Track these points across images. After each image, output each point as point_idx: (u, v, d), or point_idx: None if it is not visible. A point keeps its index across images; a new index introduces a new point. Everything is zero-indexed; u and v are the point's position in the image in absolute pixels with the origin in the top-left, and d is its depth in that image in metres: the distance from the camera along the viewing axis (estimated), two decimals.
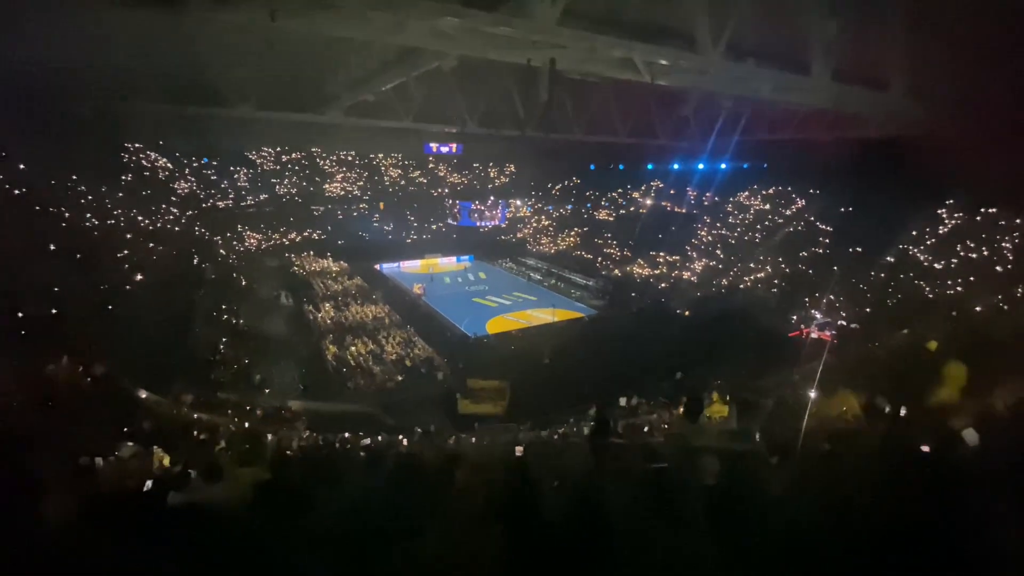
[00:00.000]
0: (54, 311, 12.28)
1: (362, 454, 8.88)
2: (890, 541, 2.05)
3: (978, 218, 23.74)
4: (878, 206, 25.90)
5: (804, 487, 2.84)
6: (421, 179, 50.64)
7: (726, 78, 14.69)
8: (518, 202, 53.12)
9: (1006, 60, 11.54)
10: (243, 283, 29.24)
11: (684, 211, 40.15)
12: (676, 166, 40.49)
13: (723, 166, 37.09)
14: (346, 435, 12.64)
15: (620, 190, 46.75)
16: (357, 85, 22.80)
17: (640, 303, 31.82)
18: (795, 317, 25.08)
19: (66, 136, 23.28)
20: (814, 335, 22.56)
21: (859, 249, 26.32)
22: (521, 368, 20.30)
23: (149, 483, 4.16)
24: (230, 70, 22.85)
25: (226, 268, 30.56)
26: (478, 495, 2.92)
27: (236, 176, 41.94)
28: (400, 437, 13.21)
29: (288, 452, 8.12)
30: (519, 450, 6.24)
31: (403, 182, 49.85)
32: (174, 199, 35.58)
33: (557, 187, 52.52)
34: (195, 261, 27.18)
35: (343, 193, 46.78)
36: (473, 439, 14.02)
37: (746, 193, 37.12)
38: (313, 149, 45.70)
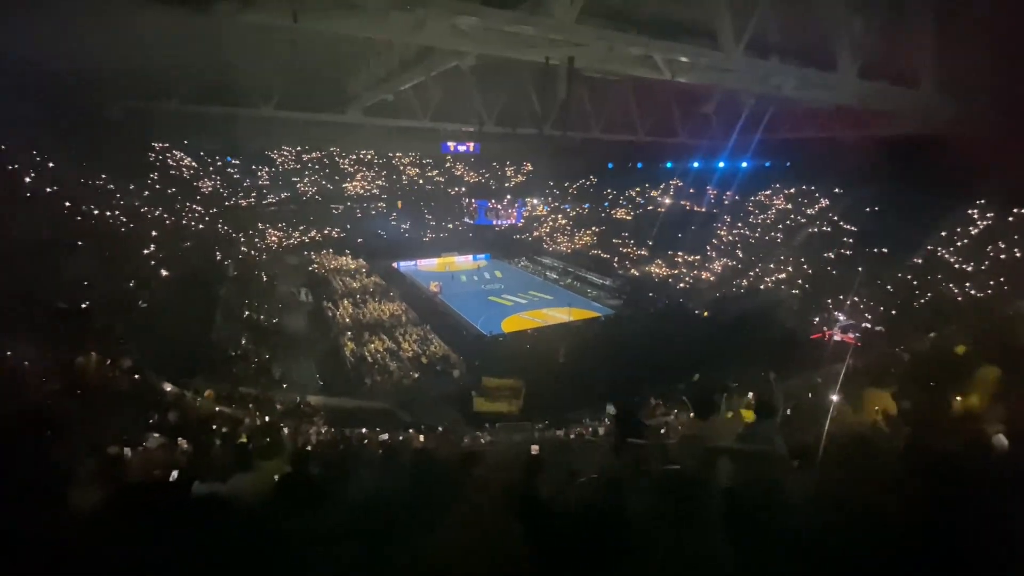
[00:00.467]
0: (84, 305, 12.66)
1: (379, 450, 8.98)
2: (913, 548, 2.00)
3: (1011, 219, 22.91)
4: (906, 206, 25.16)
5: (824, 491, 2.79)
6: (438, 178, 50.94)
7: (748, 75, 14.44)
8: (535, 201, 53.04)
9: None
10: (264, 280, 29.78)
11: (704, 210, 39.56)
12: (696, 164, 39.93)
13: (744, 164, 36.47)
14: (363, 431, 12.80)
15: (638, 189, 46.33)
16: (376, 85, 23.02)
17: (657, 303, 31.50)
18: (817, 319, 24.55)
19: (96, 136, 24.01)
20: (837, 337, 22.07)
21: (885, 250, 25.63)
22: (536, 367, 20.28)
23: (175, 473, 4.27)
24: (253, 71, 23.31)
25: (248, 265, 31.16)
26: (494, 492, 2.93)
27: (258, 175, 42.78)
28: (416, 433, 13.32)
29: (307, 446, 8.25)
30: (535, 448, 6.23)
31: (420, 181, 50.22)
32: (198, 197, 36.43)
33: (574, 186, 52.28)
34: (218, 258, 27.76)
35: (362, 192, 47.31)
36: (488, 437, 14.07)
37: (768, 192, 36.44)
38: (333, 148, 46.37)
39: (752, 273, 31.15)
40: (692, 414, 4.17)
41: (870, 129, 23.04)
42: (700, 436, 3.70)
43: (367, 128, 33.78)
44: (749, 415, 6.38)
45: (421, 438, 12.49)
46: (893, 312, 22.45)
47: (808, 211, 33.17)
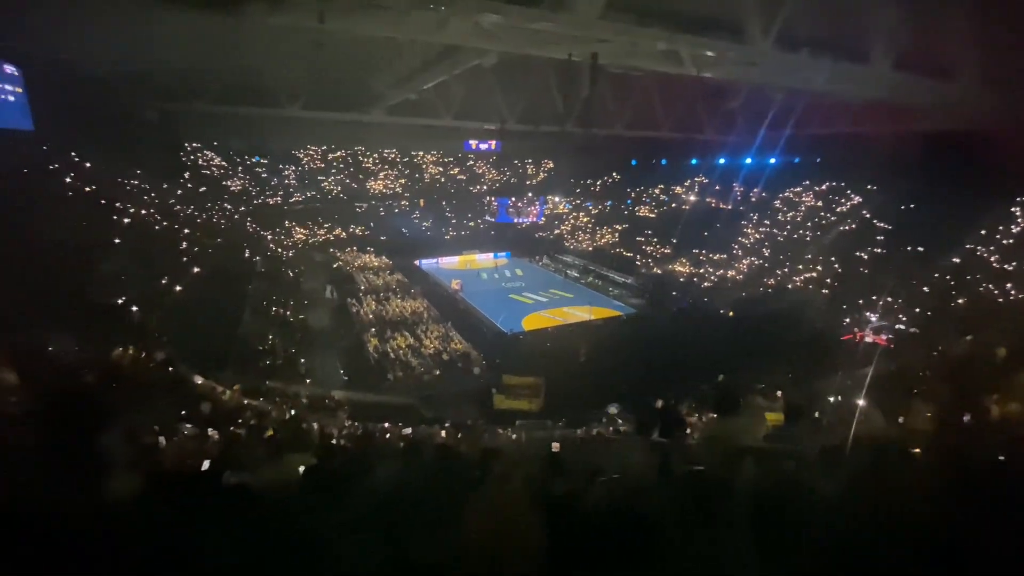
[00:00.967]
0: (120, 301, 13.16)
1: (398, 444, 9.10)
2: (940, 554, 1.95)
3: None
4: (942, 203, 24.17)
5: (852, 494, 2.72)
6: (460, 176, 51.20)
7: (777, 69, 14.08)
8: (556, 198, 52.85)
9: None
10: (291, 277, 30.44)
11: (730, 208, 38.73)
12: (722, 161, 39.16)
13: (772, 161, 35.61)
14: (386, 425, 12.99)
15: (662, 186, 45.70)
16: (400, 84, 23.28)
17: (681, 303, 31.02)
18: (848, 320, 23.83)
19: (131, 136, 24.89)
20: (869, 339, 21.41)
21: (920, 249, 24.70)
22: (556, 366, 20.22)
23: (206, 462, 4.42)
24: (281, 72, 23.83)
25: (275, 262, 31.89)
26: (516, 488, 2.94)
27: (285, 174, 43.70)
28: (438, 429, 13.45)
29: (333, 440, 8.42)
30: (555, 446, 6.23)
31: (442, 179, 50.57)
32: (228, 196, 37.46)
33: (596, 183, 51.87)
34: (246, 255, 28.49)
35: (385, 190, 47.91)
36: (509, 434, 14.11)
37: (797, 189, 35.51)
38: (357, 147, 47.06)
39: (780, 272, 30.40)
40: (716, 414, 4.11)
41: (904, 123, 22.23)
42: (724, 436, 3.64)
43: (390, 127, 34.24)
44: (774, 417, 6.26)
45: (443, 434, 12.61)
46: (928, 313, 21.64)
47: (839, 208, 32.20)
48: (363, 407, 16.12)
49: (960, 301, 21.63)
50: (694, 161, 42.47)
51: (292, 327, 22.73)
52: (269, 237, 36.66)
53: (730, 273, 33.11)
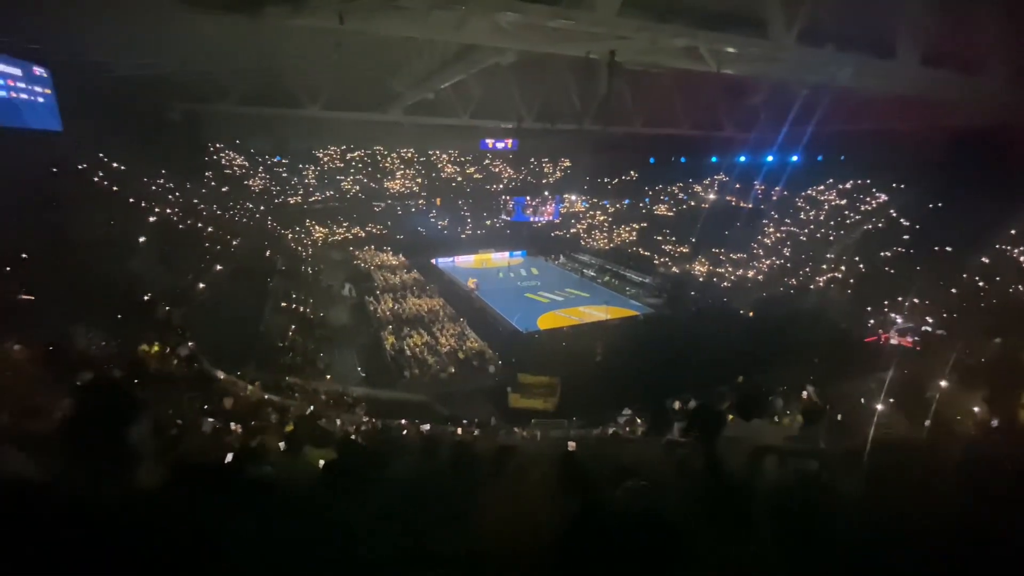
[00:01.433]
0: (146, 297, 13.51)
1: (415, 440, 9.18)
2: (962, 558, 1.90)
3: None
4: (970, 201, 23.39)
5: (876, 497, 2.66)
6: (476, 175, 51.34)
7: (801, 65, 13.77)
8: (572, 197, 52.63)
9: None
10: (310, 275, 30.89)
11: (750, 206, 38.09)
12: (743, 159, 38.53)
13: (795, 158, 34.91)
14: (402, 421, 13.11)
15: (681, 184, 45.17)
16: (418, 84, 23.40)
17: (700, 302, 30.63)
18: (873, 321, 23.25)
19: (157, 136, 25.53)
20: (894, 341, 20.86)
21: (948, 248, 23.96)
22: (572, 365, 20.15)
23: (229, 456, 4.51)
24: (302, 73, 24.17)
25: (295, 260, 32.40)
26: (532, 485, 2.95)
27: (305, 173, 44.36)
28: (453, 426, 13.52)
29: (351, 436, 8.53)
30: (572, 445, 6.22)
31: (459, 178, 50.77)
32: (249, 195, 38.18)
33: (614, 181, 51.52)
34: (267, 253, 29.01)
35: (403, 189, 48.30)
36: (524, 433, 14.12)
37: (820, 187, 34.75)
38: (375, 147, 47.51)
39: (802, 272, 29.81)
40: (738, 416, 4.05)
41: (932, 119, 21.57)
42: (745, 438, 3.59)
43: (408, 126, 34.50)
44: (800, 422, 6.14)
45: (459, 431, 12.67)
46: (956, 315, 20.99)
47: (863, 207, 31.42)
48: (380, 404, 16.29)
49: (990, 302, 20.95)
50: (714, 159, 41.87)
51: (311, 324, 23.07)
52: (289, 236, 37.26)
53: (750, 273, 32.58)
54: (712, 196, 41.92)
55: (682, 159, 45.27)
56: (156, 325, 12.18)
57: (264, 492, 3.19)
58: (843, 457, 3.38)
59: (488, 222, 49.81)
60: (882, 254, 27.06)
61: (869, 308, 23.85)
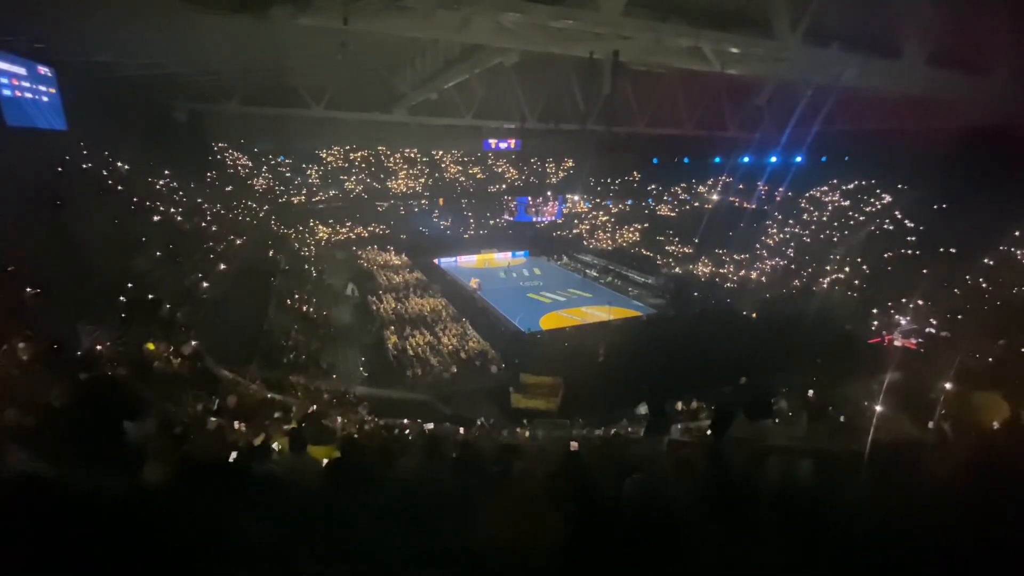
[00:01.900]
0: (150, 296, 13.56)
1: (417, 440, 9.18)
2: (965, 559, 1.90)
3: None
4: (975, 203, 23.27)
5: (879, 497, 2.65)
6: (480, 175, 51.38)
7: (805, 65, 13.72)
8: (575, 197, 52.62)
9: None
10: (313, 274, 30.96)
11: (754, 207, 38.00)
12: (746, 159, 38.44)
13: (798, 159, 34.81)
14: (405, 421, 13.12)
15: (684, 184, 45.11)
16: (422, 84, 23.42)
17: (703, 303, 30.56)
18: (876, 323, 23.16)
19: (161, 136, 25.64)
20: (897, 343, 20.79)
21: (952, 250, 23.84)
22: (575, 365, 20.13)
23: (233, 454, 4.52)
24: (306, 73, 24.22)
25: (298, 260, 32.47)
26: (535, 484, 2.95)
27: (308, 173, 44.47)
28: (456, 426, 13.53)
29: (354, 435, 8.54)
30: (574, 445, 6.21)
31: (462, 178, 50.82)
32: (253, 194, 38.28)
33: (617, 182, 51.49)
34: (271, 253, 29.08)
35: (406, 189, 48.38)
36: (526, 433, 14.11)
37: (824, 188, 34.64)
38: (379, 147, 47.60)
39: (805, 273, 29.71)
40: (740, 417, 4.04)
41: (938, 120, 21.47)
42: (749, 439, 3.58)
43: (412, 127, 34.58)
44: (802, 423, 6.12)
45: (461, 430, 12.67)
46: (960, 317, 20.89)
47: (868, 208, 31.31)
48: (382, 403, 16.31)
49: (994, 304, 20.85)
50: (717, 159, 41.79)
51: (314, 324, 23.12)
52: (293, 235, 37.38)
53: (753, 274, 32.50)
54: (715, 197, 41.84)
55: (685, 159, 45.23)
56: (160, 324, 12.23)
57: (268, 490, 3.20)
58: (844, 458, 3.37)
59: (491, 222, 49.83)
60: (886, 255, 26.95)
61: (873, 310, 23.77)
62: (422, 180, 49.25)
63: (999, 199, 22.11)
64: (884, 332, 22.22)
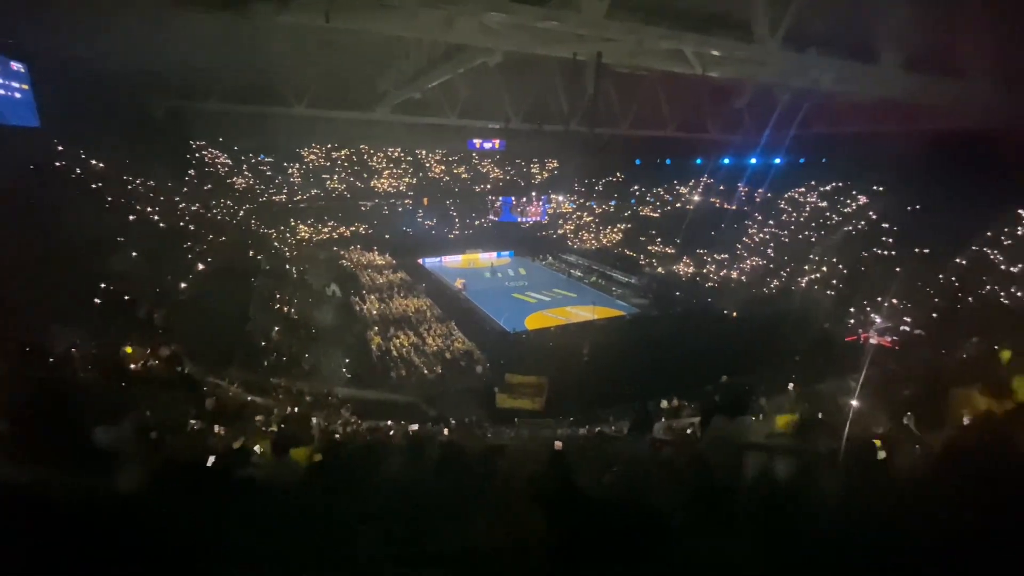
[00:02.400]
0: (127, 297, 13.23)
1: (401, 441, 9.12)
2: (938, 553, 1.96)
3: None
4: (950, 204, 24.02)
5: (852, 492, 2.73)
6: (464, 175, 51.24)
7: (784, 69, 13.98)
8: (560, 197, 52.84)
9: None
10: (295, 275, 30.54)
11: (734, 208, 38.68)
12: (727, 161, 39.08)
13: (777, 161, 35.50)
14: (389, 422, 13.02)
15: (666, 186, 45.63)
16: (405, 83, 23.27)
17: (685, 303, 30.96)
18: (853, 321, 23.73)
19: (139, 134, 25.02)
20: (873, 340, 21.31)
21: (927, 250, 24.56)
22: (559, 365, 20.21)
23: (212, 458, 4.44)
24: (287, 71, 23.90)
25: (279, 260, 32.00)
26: (518, 484, 2.96)
27: (290, 172, 43.85)
28: (441, 426, 13.48)
29: (336, 436, 8.46)
30: (558, 444, 6.23)
31: (447, 178, 50.62)
32: (233, 193, 37.59)
33: (601, 182, 51.85)
34: (251, 252, 28.60)
35: (389, 189, 47.99)
36: (512, 433, 14.13)
37: (802, 189, 35.38)
38: (362, 146, 47.14)
39: (784, 273, 30.31)
40: (720, 414, 4.11)
41: (913, 124, 22.07)
42: (728, 436, 3.65)
43: (395, 126, 34.30)
44: (783, 420, 6.23)
45: (446, 431, 12.63)
46: (935, 315, 21.52)
47: (845, 209, 32.05)
48: (366, 405, 16.17)
49: (967, 303, 21.52)
50: (698, 161, 42.39)
51: (296, 325, 22.81)
52: (274, 235, 36.80)
53: (734, 274, 33.03)
54: (697, 198, 42.43)
55: (667, 161, 45.75)
56: (137, 325, 11.94)
57: (248, 494, 3.15)
58: (821, 454, 3.45)
59: (476, 222, 49.73)
60: (862, 255, 27.63)
61: (850, 308, 24.35)
62: (406, 180, 48.93)
63: (972, 201, 22.86)
64: (860, 330, 22.76)
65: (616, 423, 13.97)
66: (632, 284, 35.75)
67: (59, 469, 2.87)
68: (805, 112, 24.22)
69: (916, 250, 24.87)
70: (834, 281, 27.44)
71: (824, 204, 33.55)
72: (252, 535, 2.33)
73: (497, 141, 47.20)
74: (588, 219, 50.00)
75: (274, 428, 7.80)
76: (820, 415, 7.73)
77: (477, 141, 47.30)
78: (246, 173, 41.45)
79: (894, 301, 22.45)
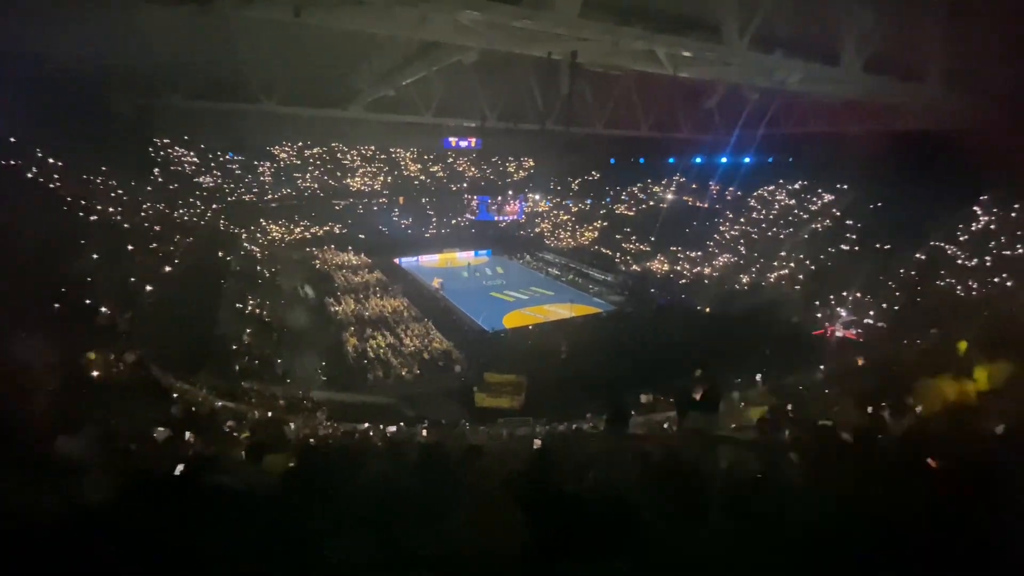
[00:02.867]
0: (88, 301, 12.71)
1: (379, 444, 9.03)
2: (905, 540, 2.03)
3: (1013, 214, 22.83)
4: (910, 201, 25.09)
5: (820, 481, 2.81)
6: (440, 173, 50.89)
7: (752, 69, 14.33)
8: (536, 196, 53.01)
9: None
10: (266, 276, 29.85)
11: (706, 206, 39.52)
12: (699, 160, 39.86)
13: (747, 160, 36.39)
14: (366, 425, 12.87)
15: (641, 184, 46.27)
16: (379, 80, 22.94)
17: (660, 300, 31.48)
18: (820, 315, 24.54)
19: (99, 131, 24.04)
20: (839, 333, 22.08)
21: (888, 246, 25.58)
22: (538, 363, 20.30)
23: (180, 466, 4.31)
24: (256, 66, 23.27)
25: (250, 261, 31.22)
26: (499, 482, 2.95)
27: (260, 170, 42.77)
28: (420, 427, 13.39)
29: (311, 441, 8.31)
30: (537, 442, 6.26)
31: (422, 176, 50.18)
32: (200, 193, 36.50)
33: (576, 181, 52.23)
34: (220, 254, 27.82)
35: (364, 187, 47.30)
36: (490, 432, 14.12)
37: (771, 188, 36.36)
38: (335, 144, 46.29)
39: (755, 269, 31.11)
40: (694, 408, 4.20)
41: (875, 123, 22.91)
42: (701, 429, 3.72)
43: (369, 123, 33.70)
44: (757, 412, 6.40)
45: (424, 432, 12.55)
46: (896, 308, 22.43)
47: (811, 207, 33.09)
48: (343, 408, 15.94)
49: (927, 296, 22.48)
50: (671, 160, 43.10)
51: (268, 327, 22.31)
52: (244, 236, 35.87)
53: (707, 270, 33.74)
54: (670, 196, 43.17)
55: (641, 160, 46.36)
56: (101, 331, 11.49)
57: (219, 504, 3.06)
58: (792, 444, 3.55)
59: (453, 221, 49.47)
60: (829, 251, 28.58)
61: (817, 302, 25.16)
62: (380, 178, 48.30)
63: (930, 198, 23.92)
64: (827, 324, 23.55)
65: (594, 419, 14.13)
66: (608, 281, 36.14)
67: (15, 482, 2.73)
68: (773, 112, 24.88)
69: (877, 246, 25.87)
70: (801, 276, 28.32)
71: (792, 202, 34.56)
72: (223, 547, 2.26)
73: (473, 140, 47.03)
74: (565, 217, 50.32)
75: (246, 434, 7.61)
76: (789, 407, 7.97)
77: (453, 140, 47.02)
78: (214, 172, 40.27)
79: (858, 295, 23.31)
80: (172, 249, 21.65)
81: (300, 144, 45.09)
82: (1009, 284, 20.37)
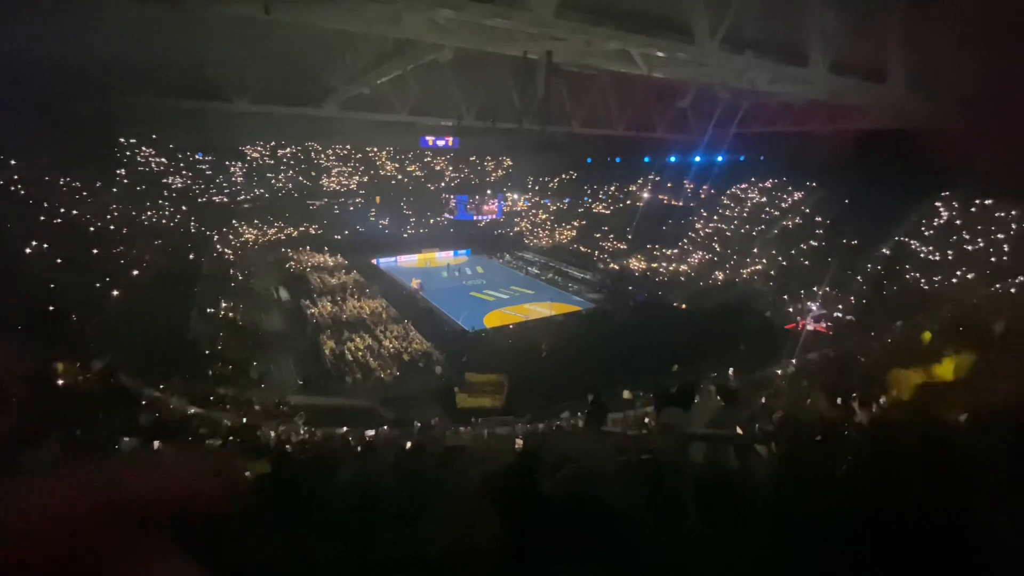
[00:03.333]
0: (51, 308, 12.24)
1: (359, 448, 8.92)
2: (875, 531, 2.09)
3: (973, 210, 23.85)
4: (875, 198, 25.99)
5: (792, 474, 2.88)
6: (417, 173, 50.48)
7: (723, 70, 14.65)
8: (515, 195, 53.04)
9: (1006, 50, 11.52)
10: (239, 278, 29.18)
11: (681, 204, 40.20)
12: (673, 159, 40.49)
13: (720, 159, 37.14)
14: (345, 429, 12.70)
15: (617, 183, 46.74)
16: (353, 78, 22.65)
17: (637, 297, 31.88)
18: (791, 309, 25.21)
19: (61, 132, 23.11)
20: (810, 327, 22.70)
21: (855, 242, 26.43)
22: (519, 362, 20.33)
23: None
24: (227, 64, 22.71)
25: (222, 263, 30.47)
26: (481, 484, 2.95)
27: (232, 171, 41.73)
28: (399, 430, 13.27)
29: (288, 446, 8.16)
30: (519, 442, 6.28)
31: (400, 176, 49.69)
32: (169, 194, 35.43)
33: (554, 181, 52.46)
34: (191, 256, 27.08)
35: (340, 187, 46.60)
36: (472, 432, 14.08)
37: (743, 186, 37.17)
38: (309, 143, 45.46)
39: (728, 265, 31.77)
40: (670, 403, 4.26)
41: (842, 123, 23.64)
42: (677, 424, 3.78)
43: (344, 122, 33.19)
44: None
45: (404, 434, 12.45)
46: (864, 301, 23.19)
47: (782, 204, 33.95)
48: (321, 412, 15.69)
49: (892, 289, 23.31)
50: (647, 159, 43.67)
51: (242, 331, 21.82)
52: (215, 238, 34.97)
53: (682, 267, 34.32)
54: (646, 195, 43.76)
55: (617, 159, 46.85)
56: (67, 337, 11.07)
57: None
58: (763, 437, 3.64)
59: (431, 221, 49.14)
60: (799, 247, 29.38)
61: (788, 297, 25.85)
62: (356, 178, 47.65)
63: (895, 195, 24.81)
64: (798, 318, 24.20)
65: (573, 417, 14.22)
66: (587, 280, 36.43)
67: None
68: (744, 112, 25.46)
69: (845, 241, 26.70)
70: (773, 272, 29.04)
71: (764, 199, 35.39)
72: (195, 556, 2.20)
73: (451, 139, 46.77)
74: (543, 217, 50.49)
75: (220, 441, 7.44)
76: (764, 399, 8.18)
77: (430, 138, 46.68)
78: (184, 172, 39.11)
79: (827, 290, 24.02)
80: (141, 252, 20.98)
81: (273, 143, 44.12)
82: (970, 277, 21.28)
